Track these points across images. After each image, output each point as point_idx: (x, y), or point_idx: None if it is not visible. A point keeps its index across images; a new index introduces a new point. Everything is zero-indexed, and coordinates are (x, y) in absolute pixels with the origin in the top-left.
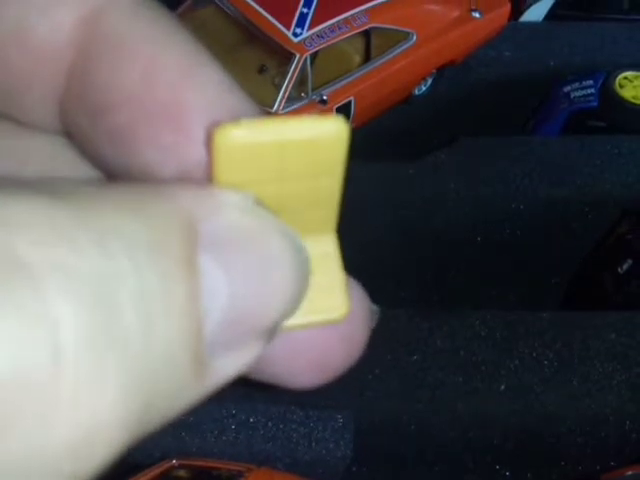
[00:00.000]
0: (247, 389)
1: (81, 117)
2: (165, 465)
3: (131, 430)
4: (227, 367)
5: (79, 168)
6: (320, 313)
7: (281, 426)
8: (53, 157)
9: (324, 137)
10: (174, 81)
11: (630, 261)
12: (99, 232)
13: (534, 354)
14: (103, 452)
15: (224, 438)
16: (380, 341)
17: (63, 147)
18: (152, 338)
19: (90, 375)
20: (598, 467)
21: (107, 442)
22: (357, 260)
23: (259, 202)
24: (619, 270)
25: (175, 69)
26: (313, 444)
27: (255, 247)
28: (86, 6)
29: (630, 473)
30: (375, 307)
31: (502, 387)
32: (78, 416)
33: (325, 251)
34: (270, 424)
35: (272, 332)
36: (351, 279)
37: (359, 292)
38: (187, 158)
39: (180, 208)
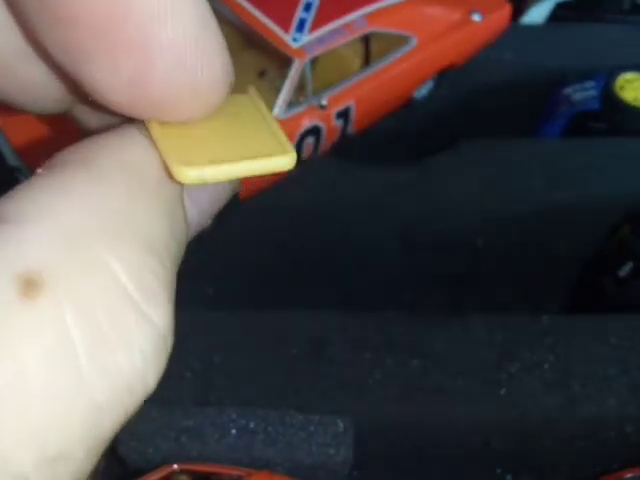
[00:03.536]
0: (247, 394)
1: (34, 13)
2: (166, 470)
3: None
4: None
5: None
6: (266, 157)
7: (281, 431)
8: None
9: (273, 169)
10: (146, 16)
11: (631, 264)
12: (158, 251)
13: (534, 358)
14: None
15: (224, 443)
16: (380, 345)
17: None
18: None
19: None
20: (599, 470)
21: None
22: (358, 262)
23: None
24: (620, 273)
25: (147, 8)
26: (313, 449)
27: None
28: None
29: (629, 476)
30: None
31: (502, 391)
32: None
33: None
34: (270, 429)
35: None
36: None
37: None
38: (142, 95)
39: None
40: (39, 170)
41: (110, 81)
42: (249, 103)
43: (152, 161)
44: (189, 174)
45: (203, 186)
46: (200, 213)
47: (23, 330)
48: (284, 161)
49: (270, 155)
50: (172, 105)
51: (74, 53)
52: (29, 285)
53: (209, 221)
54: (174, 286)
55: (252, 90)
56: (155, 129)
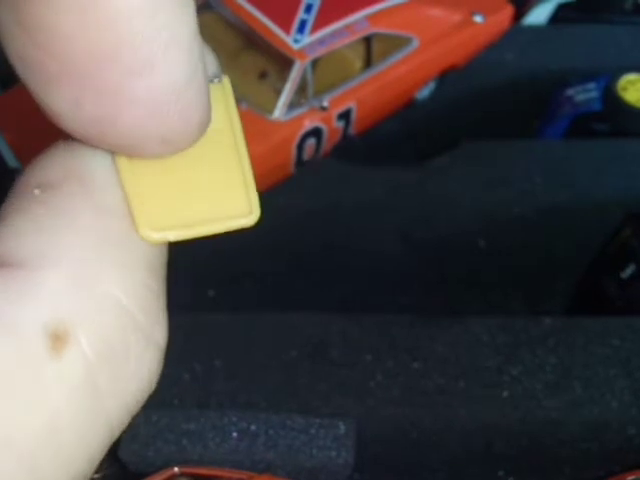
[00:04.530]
0: (248, 396)
1: (8, 26)
2: (167, 473)
3: None
4: None
5: None
6: (228, 218)
7: (282, 434)
8: None
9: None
10: (131, 68)
11: (633, 266)
12: (152, 264)
13: (536, 360)
14: None
15: (225, 446)
16: (382, 347)
17: None
18: None
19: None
20: (601, 472)
21: None
22: (359, 264)
23: None
24: (622, 275)
25: (137, 57)
26: (314, 451)
27: None
28: None
29: (632, 478)
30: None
31: (504, 393)
32: None
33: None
34: (271, 432)
35: None
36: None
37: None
38: (104, 134)
39: None
40: (35, 191)
41: (71, 113)
42: (221, 107)
43: None
44: (153, 236)
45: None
46: None
47: (52, 378)
48: (246, 221)
49: (234, 216)
50: (137, 148)
51: (39, 76)
52: (56, 337)
53: None
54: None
55: (226, 81)
56: (122, 163)
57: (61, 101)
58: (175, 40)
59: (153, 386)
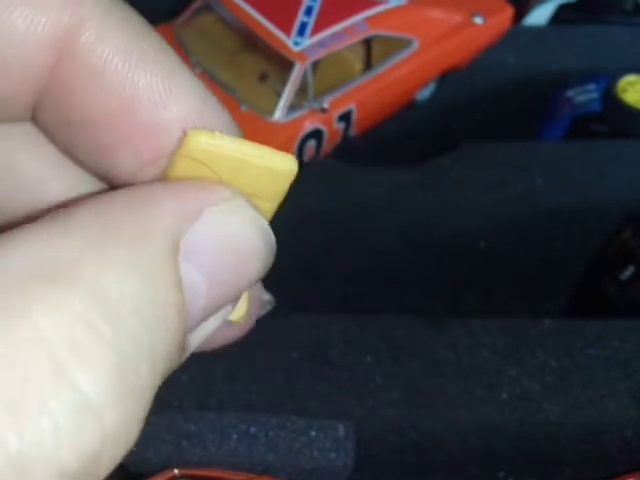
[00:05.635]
0: (248, 398)
1: (57, 126)
2: (166, 475)
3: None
4: (198, 338)
5: (47, 151)
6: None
7: (282, 435)
8: (20, 142)
9: (277, 169)
10: (153, 103)
11: (632, 268)
12: (109, 304)
13: (536, 362)
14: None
15: (225, 448)
16: (382, 348)
17: (33, 133)
18: (156, 366)
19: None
20: (602, 474)
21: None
22: (359, 265)
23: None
24: (621, 277)
25: (153, 90)
26: (314, 453)
27: (233, 247)
28: (60, 26)
29: None
30: (268, 297)
31: (504, 395)
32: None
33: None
34: (271, 433)
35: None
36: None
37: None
38: (164, 164)
39: (164, 232)
40: None
41: (135, 168)
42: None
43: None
44: (202, 138)
45: (210, 158)
46: (212, 282)
47: None
48: (289, 160)
49: (276, 159)
50: None
51: (100, 155)
52: None
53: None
54: (148, 357)
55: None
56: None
57: (126, 164)
58: None
59: (65, 453)
